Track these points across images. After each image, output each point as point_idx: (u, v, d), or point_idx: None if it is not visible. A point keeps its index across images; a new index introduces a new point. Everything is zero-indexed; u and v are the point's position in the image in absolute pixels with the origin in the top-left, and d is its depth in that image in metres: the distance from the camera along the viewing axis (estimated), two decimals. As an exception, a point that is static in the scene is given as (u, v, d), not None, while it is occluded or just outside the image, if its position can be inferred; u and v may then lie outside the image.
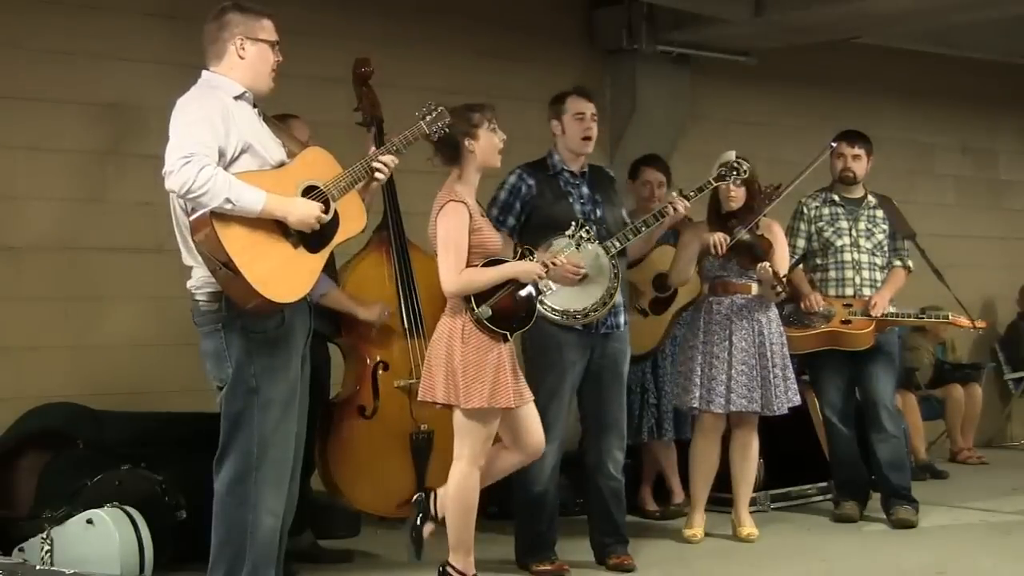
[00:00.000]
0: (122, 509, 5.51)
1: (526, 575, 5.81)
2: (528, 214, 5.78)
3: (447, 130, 4.97)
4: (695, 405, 6.48)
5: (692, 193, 6.09)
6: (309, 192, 4.46)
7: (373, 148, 4.77)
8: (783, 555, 6.35)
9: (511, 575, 5.84)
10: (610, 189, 6.05)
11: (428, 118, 4.89)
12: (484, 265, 5.12)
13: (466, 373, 5.03)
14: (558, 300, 5.60)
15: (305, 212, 4.38)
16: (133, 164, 6.59)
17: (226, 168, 4.32)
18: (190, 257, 4.45)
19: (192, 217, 4.32)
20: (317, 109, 6.40)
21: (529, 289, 5.20)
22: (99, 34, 6.69)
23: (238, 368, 4.42)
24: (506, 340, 5.13)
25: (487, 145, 5.18)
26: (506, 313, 5.11)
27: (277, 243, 4.37)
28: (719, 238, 6.34)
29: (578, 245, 5.37)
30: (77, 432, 6.06)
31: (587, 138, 5.90)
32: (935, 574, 5.91)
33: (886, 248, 7.06)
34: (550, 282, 5.26)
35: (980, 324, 7.22)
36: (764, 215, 6.50)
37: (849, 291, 6.98)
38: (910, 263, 7.13)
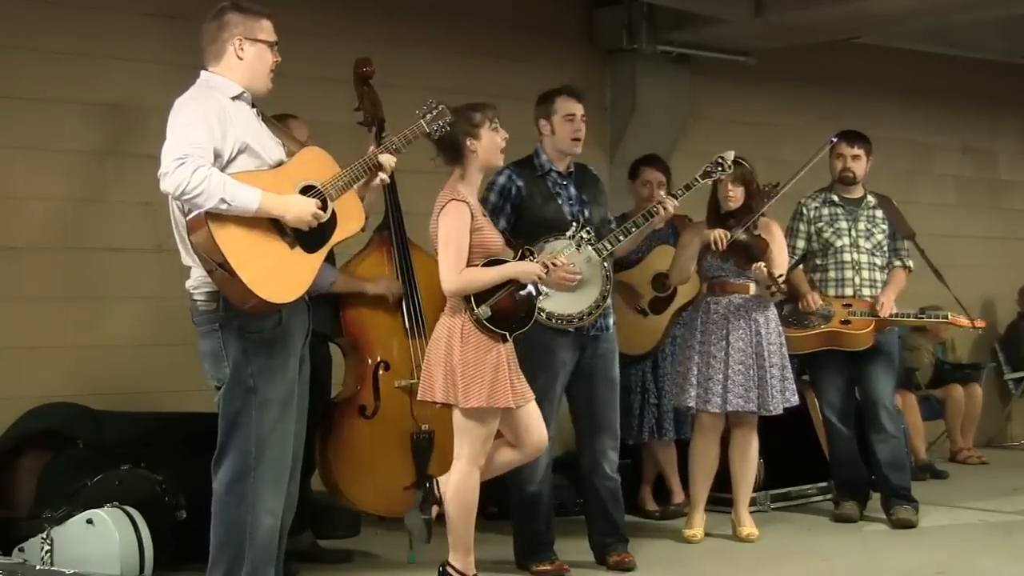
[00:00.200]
0: (122, 509, 5.51)
1: (526, 575, 5.81)
2: (518, 216, 5.75)
3: (448, 128, 4.96)
4: (691, 405, 6.48)
5: (680, 191, 6.08)
6: (307, 192, 4.45)
7: (372, 147, 4.76)
8: (783, 555, 6.35)
9: (511, 575, 5.84)
10: (595, 189, 6.03)
11: (428, 116, 4.88)
12: (484, 265, 5.12)
13: (465, 373, 5.03)
14: (553, 304, 5.58)
15: (302, 210, 4.38)
16: (133, 164, 6.59)
17: (223, 168, 4.32)
18: (188, 257, 4.45)
19: (188, 217, 4.32)
20: (318, 109, 6.41)
21: (529, 289, 5.20)
22: (99, 34, 6.69)
23: (235, 368, 4.42)
24: (505, 340, 5.13)
25: (489, 145, 5.18)
26: (505, 313, 5.11)
27: (274, 243, 4.37)
28: (719, 234, 6.34)
29: (578, 246, 5.37)
30: (77, 432, 6.06)
31: (577, 139, 5.88)
32: (935, 574, 5.91)
33: (886, 248, 7.06)
34: (544, 287, 5.26)
35: (980, 324, 7.23)
36: (763, 215, 6.50)
37: (849, 291, 6.98)
38: (910, 263, 7.13)
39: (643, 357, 7.18)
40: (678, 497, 7.25)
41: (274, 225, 4.37)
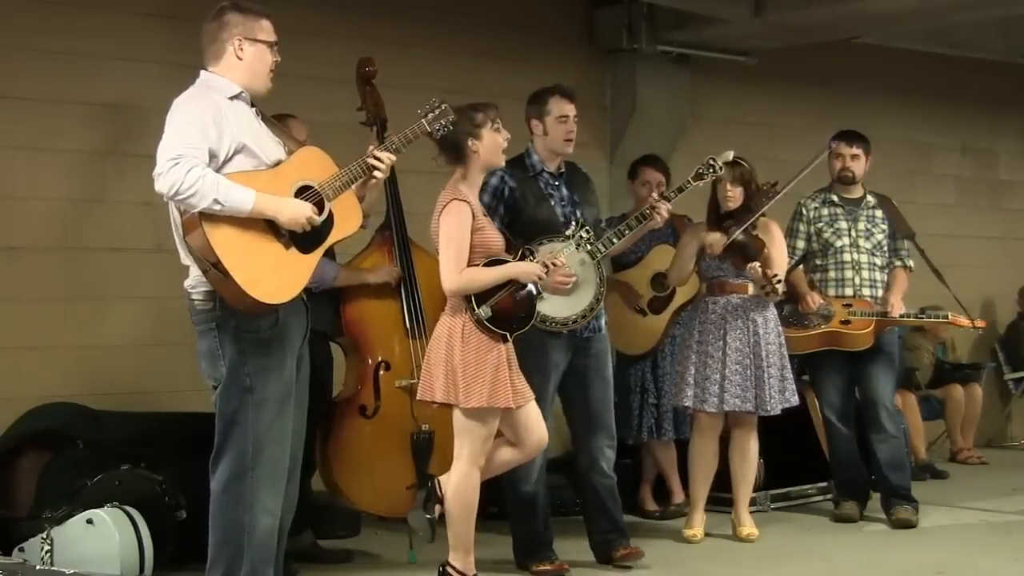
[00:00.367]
0: (122, 509, 5.51)
1: (526, 575, 5.81)
2: (512, 217, 5.72)
3: (451, 128, 4.95)
4: (688, 404, 6.49)
5: (672, 194, 6.09)
6: (304, 192, 4.45)
7: (371, 147, 4.76)
8: (783, 555, 6.35)
9: (511, 575, 5.84)
10: (586, 188, 6.03)
11: (430, 115, 4.86)
12: (485, 265, 5.12)
13: (466, 373, 5.03)
14: (547, 307, 5.57)
15: (296, 212, 4.37)
16: (133, 164, 6.58)
17: (219, 169, 4.33)
18: (187, 257, 4.45)
19: (183, 218, 4.33)
20: (318, 109, 6.41)
21: (529, 289, 5.20)
22: (99, 34, 6.69)
23: (232, 367, 4.42)
24: (506, 340, 5.13)
25: (491, 145, 5.18)
26: (506, 313, 5.11)
27: (268, 243, 4.37)
28: (715, 238, 6.35)
29: (578, 246, 5.37)
30: (77, 432, 6.06)
31: (569, 140, 5.87)
32: (935, 574, 5.91)
33: (886, 248, 7.06)
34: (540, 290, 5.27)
35: (980, 324, 7.23)
36: (763, 214, 6.50)
37: (849, 291, 6.98)
38: (910, 263, 7.13)
39: (642, 357, 7.18)
40: (678, 497, 7.25)
41: (269, 226, 4.37)
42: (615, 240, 5.90)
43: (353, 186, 4.61)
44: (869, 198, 7.14)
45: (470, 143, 5.13)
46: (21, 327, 6.47)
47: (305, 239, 4.44)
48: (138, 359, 6.74)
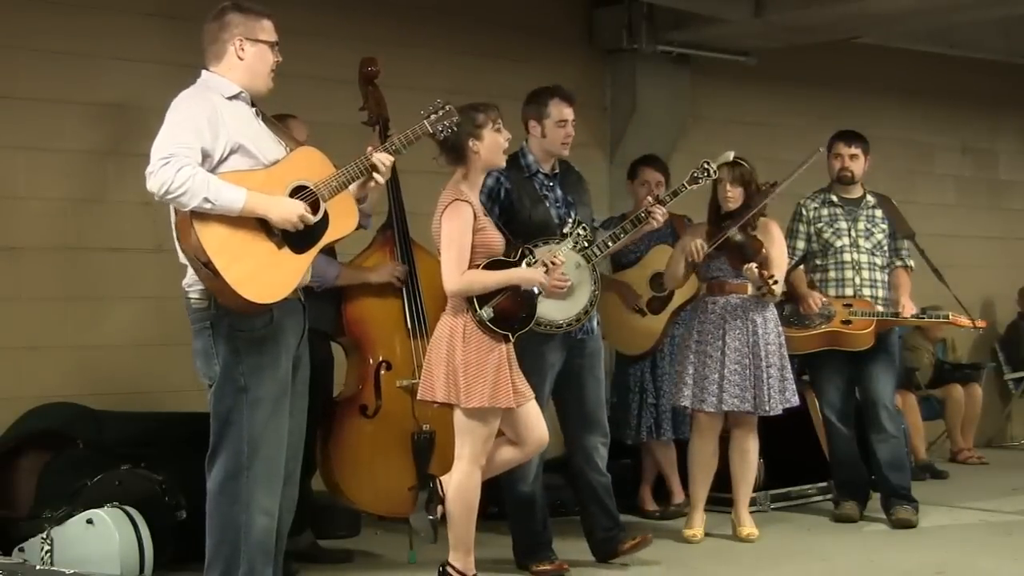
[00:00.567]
0: (122, 509, 5.51)
1: (526, 575, 5.82)
2: (507, 219, 5.67)
3: (455, 129, 4.93)
4: (687, 404, 6.49)
5: (668, 197, 6.10)
6: (299, 192, 4.44)
7: (370, 148, 4.75)
8: (783, 555, 6.35)
9: (511, 575, 5.84)
10: (580, 188, 6.02)
11: (433, 116, 4.83)
12: (486, 266, 5.12)
13: (467, 372, 5.03)
14: (543, 310, 5.56)
15: (287, 211, 4.36)
16: (133, 164, 6.48)
17: (214, 168, 4.33)
18: (184, 256, 4.46)
19: (176, 218, 4.34)
20: (319, 109, 6.41)
21: (531, 288, 5.20)
22: (99, 34, 6.69)
23: (226, 366, 4.42)
24: (508, 340, 5.13)
25: (491, 145, 5.18)
26: (507, 314, 5.12)
27: (260, 243, 4.36)
28: (697, 245, 6.34)
29: (575, 243, 5.38)
30: (77, 432, 6.06)
31: (566, 144, 5.86)
32: (935, 574, 5.91)
33: (886, 248, 7.06)
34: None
35: (980, 324, 7.23)
36: (764, 215, 6.50)
37: (849, 291, 6.98)
38: (911, 262, 7.13)
39: (641, 357, 7.18)
40: (678, 497, 7.25)
41: (262, 225, 4.36)
42: (610, 244, 5.91)
43: (352, 186, 4.59)
44: (869, 198, 7.14)
45: (471, 143, 5.13)
46: (21, 327, 6.47)
47: (298, 239, 4.42)
48: (138, 359, 6.74)
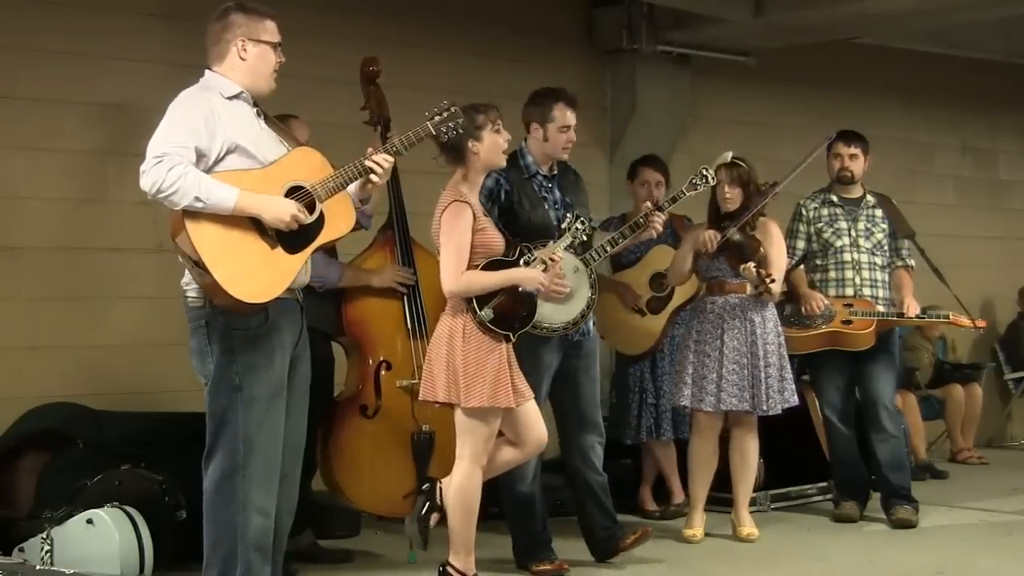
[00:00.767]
0: (122, 509, 5.51)
1: (526, 575, 5.82)
2: (506, 220, 5.65)
3: (460, 131, 4.89)
4: (686, 404, 6.49)
5: (667, 203, 6.11)
6: (295, 192, 4.43)
7: (370, 148, 4.74)
8: (783, 555, 6.35)
9: (511, 575, 5.84)
10: (577, 188, 6.02)
11: (437, 118, 4.79)
12: (484, 267, 5.12)
13: (467, 372, 5.03)
14: (541, 315, 5.57)
15: (279, 210, 4.36)
16: (133, 164, 6.42)
17: (210, 168, 4.34)
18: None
19: (171, 217, 4.34)
20: (320, 109, 6.41)
21: (530, 288, 5.20)
22: (99, 34, 6.69)
23: (219, 365, 4.43)
24: (508, 340, 5.14)
25: (491, 145, 5.18)
26: (507, 314, 5.12)
27: (252, 243, 4.36)
28: (709, 235, 6.35)
29: (574, 238, 5.38)
30: (77, 432, 6.06)
31: (568, 148, 5.86)
32: (935, 574, 5.91)
33: (886, 247, 7.06)
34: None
35: (981, 324, 7.23)
36: (763, 214, 6.50)
37: (849, 291, 6.98)
38: (911, 262, 7.13)
39: (641, 357, 7.18)
40: (678, 497, 7.25)
41: (255, 225, 4.36)
42: (608, 249, 5.92)
43: (352, 188, 4.59)
44: (869, 198, 7.14)
45: (471, 144, 5.13)
46: (21, 327, 6.47)
47: (292, 239, 4.42)
48: (138, 359, 6.73)
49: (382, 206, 6.01)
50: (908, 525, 6.89)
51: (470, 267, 5.09)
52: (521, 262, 5.22)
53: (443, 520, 5.21)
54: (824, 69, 9.53)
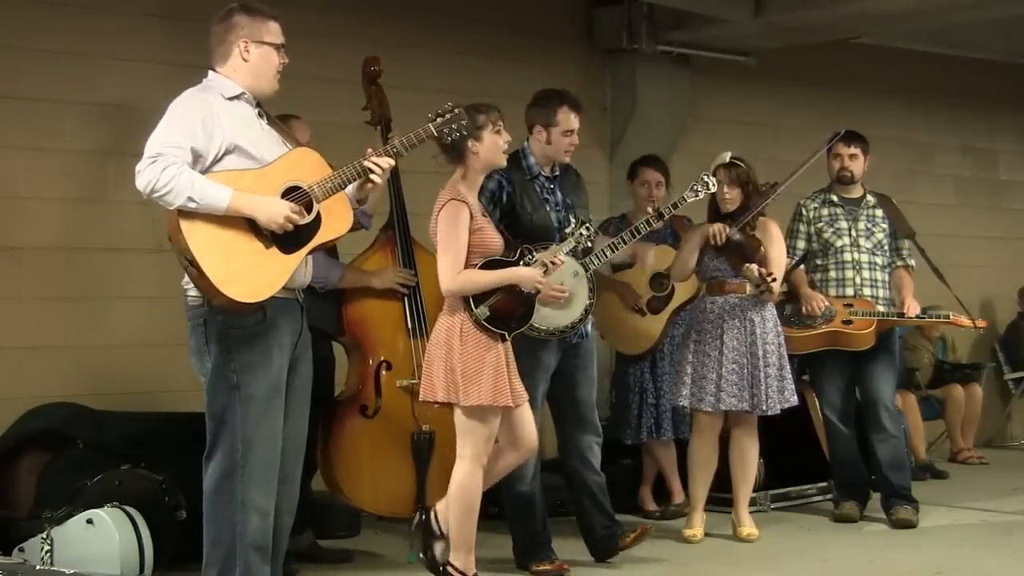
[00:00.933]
0: (122, 509, 5.51)
1: (526, 575, 5.81)
2: (508, 222, 5.65)
3: (463, 133, 4.88)
4: (685, 403, 6.49)
5: (667, 209, 6.11)
6: (292, 192, 4.43)
7: (370, 149, 4.74)
8: (783, 555, 6.35)
9: (511, 575, 5.84)
10: (578, 189, 6.02)
11: (440, 120, 4.78)
12: (483, 266, 5.12)
13: (465, 372, 5.03)
14: (540, 319, 5.57)
15: (274, 211, 4.36)
16: (133, 164, 6.38)
17: (207, 169, 4.35)
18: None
19: (168, 217, 4.34)
20: (322, 110, 6.41)
21: (527, 288, 5.20)
22: (99, 34, 6.69)
23: (217, 364, 4.43)
24: (504, 340, 5.13)
25: (491, 146, 5.18)
26: (504, 313, 5.12)
27: (248, 242, 4.36)
28: (718, 228, 6.35)
29: (577, 243, 5.38)
30: (77, 432, 6.06)
31: (570, 151, 5.86)
32: (935, 574, 5.91)
33: (886, 247, 7.06)
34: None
35: (980, 324, 7.23)
36: (763, 214, 6.50)
37: (850, 291, 6.98)
38: (912, 262, 7.14)
39: (641, 357, 7.18)
40: (678, 497, 7.25)
41: (251, 225, 4.36)
42: (608, 253, 5.91)
43: (351, 188, 4.59)
44: (869, 197, 7.14)
45: (470, 144, 5.13)
46: (21, 327, 6.47)
47: (288, 239, 4.42)
48: (138, 359, 6.73)
49: (383, 206, 6.01)
50: (908, 525, 6.89)
51: (467, 266, 5.09)
52: (521, 263, 5.22)
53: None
54: (824, 69, 9.53)
